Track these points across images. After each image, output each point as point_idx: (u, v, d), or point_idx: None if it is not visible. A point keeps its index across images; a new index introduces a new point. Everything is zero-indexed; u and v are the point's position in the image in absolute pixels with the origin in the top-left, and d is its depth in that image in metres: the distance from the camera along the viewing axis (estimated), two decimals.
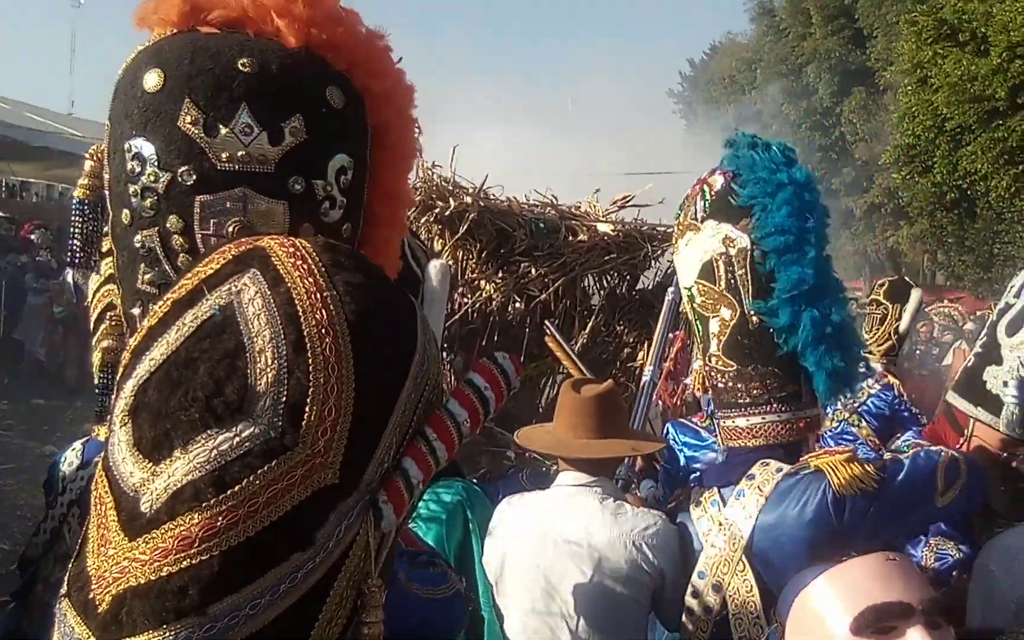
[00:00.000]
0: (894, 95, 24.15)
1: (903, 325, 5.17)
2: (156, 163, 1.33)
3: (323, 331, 0.92)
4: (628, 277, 7.28)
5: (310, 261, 0.98)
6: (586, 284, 6.91)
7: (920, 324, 17.83)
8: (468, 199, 5.90)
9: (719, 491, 2.30)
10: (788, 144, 2.50)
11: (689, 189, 2.57)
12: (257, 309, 0.94)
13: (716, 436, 2.50)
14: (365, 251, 1.38)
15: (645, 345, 6.77)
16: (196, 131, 1.32)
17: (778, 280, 2.31)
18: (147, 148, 1.34)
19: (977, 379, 2.78)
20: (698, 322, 2.45)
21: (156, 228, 1.35)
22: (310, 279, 0.96)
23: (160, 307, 1.01)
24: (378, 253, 1.48)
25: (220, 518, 0.86)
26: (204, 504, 0.86)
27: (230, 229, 1.31)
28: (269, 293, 0.95)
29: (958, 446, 2.76)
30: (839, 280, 2.47)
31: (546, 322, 4.39)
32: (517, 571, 2.46)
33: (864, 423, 4.64)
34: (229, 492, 0.86)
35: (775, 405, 2.32)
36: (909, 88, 21.11)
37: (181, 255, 1.35)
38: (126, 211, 1.38)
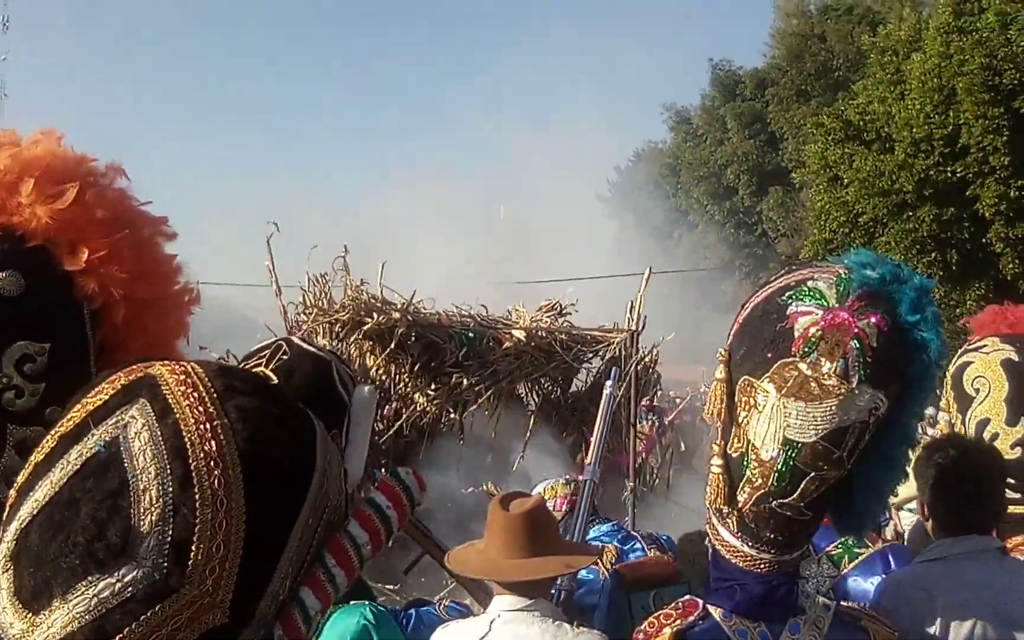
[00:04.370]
0: (810, 192, 25.19)
1: None
2: None
3: (212, 464, 0.90)
4: (562, 381, 7.35)
5: (201, 388, 0.97)
6: (521, 392, 6.93)
7: None
8: (397, 314, 5.94)
9: (765, 625, 2.21)
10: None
11: (797, 320, 2.07)
12: (143, 443, 0.91)
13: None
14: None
15: (583, 447, 6.77)
16: None
17: (899, 458, 2.26)
18: None
19: None
20: (788, 477, 2.09)
21: None
22: (200, 408, 0.94)
23: (47, 442, 0.98)
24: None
25: None
26: None
27: None
28: (157, 425, 0.92)
29: None
30: None
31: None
32: None
33: None
34: None
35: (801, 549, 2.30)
36: (821, 187, 22.04)
37: None
38: None
